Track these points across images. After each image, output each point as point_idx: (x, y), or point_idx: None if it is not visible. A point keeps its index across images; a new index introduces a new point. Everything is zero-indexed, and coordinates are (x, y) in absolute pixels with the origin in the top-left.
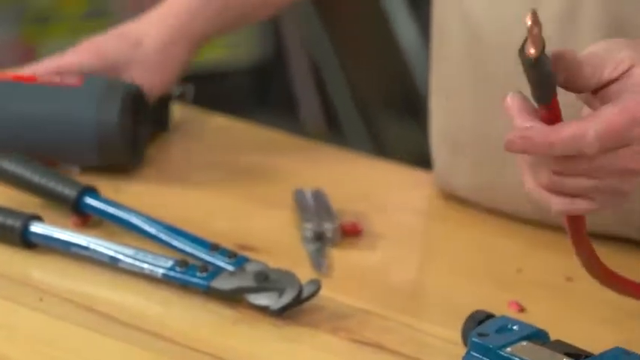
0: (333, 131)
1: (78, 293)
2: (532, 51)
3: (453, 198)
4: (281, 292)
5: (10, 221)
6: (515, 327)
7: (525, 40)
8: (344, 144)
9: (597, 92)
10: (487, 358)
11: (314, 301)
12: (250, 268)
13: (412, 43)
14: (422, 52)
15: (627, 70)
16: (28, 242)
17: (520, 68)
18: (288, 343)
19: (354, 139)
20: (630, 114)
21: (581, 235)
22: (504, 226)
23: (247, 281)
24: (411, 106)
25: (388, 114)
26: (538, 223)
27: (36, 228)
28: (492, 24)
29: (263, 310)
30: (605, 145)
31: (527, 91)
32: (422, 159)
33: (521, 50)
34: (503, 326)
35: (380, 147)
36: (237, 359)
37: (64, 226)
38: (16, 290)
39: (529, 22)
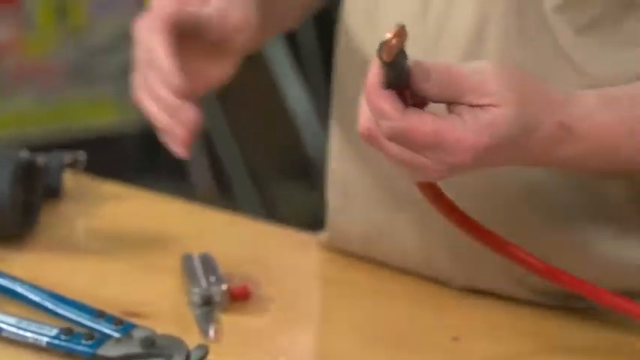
0: (224, 196)
1: None
2: (384, 56)
3: (342, 260)
4: (168, 358)
5: None
6: None
7: (382, 45)
8: (235, 209)
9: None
10: None
11: None
12: (137, 334)
13: (302, 109)
14: (312, 117)
15: (487, 105)
16: None
17: None
18: None
19: (246, 204)
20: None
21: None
22: (395, 284)
23: (134, 348)
24: (303, 170)
25: (279, 178)
26: (427, 277)
27: None
28: None
29: None
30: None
31: None
32: (313, 223)
33: (378, 50)
34: None
35: (271, 211)
36: None
37: None
38: None
39: (388, 35)
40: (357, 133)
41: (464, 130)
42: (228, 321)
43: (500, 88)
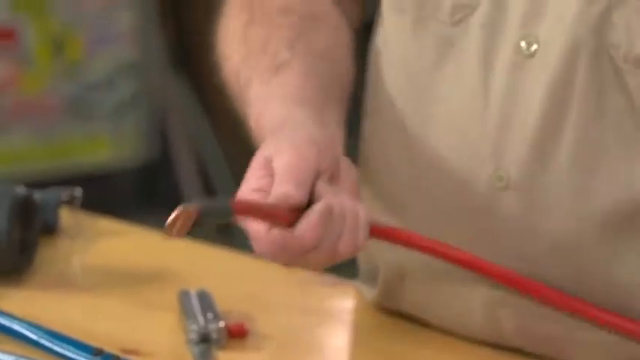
0: (221, 232)
1: None
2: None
3: (343, 296)
4: None
5: None
6: None
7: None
8: (232, 244)
9: None
10: None
11: None
12: None
13: None
14: None
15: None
16: None
17: None
18: None
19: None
20: None
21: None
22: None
23: None
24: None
25: None
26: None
27: None
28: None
29: None
30: None
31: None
32: None
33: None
34: None
35: None
36: None
37: None
38: None
39: (173, 215)
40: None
41: None
42: (226, 358)
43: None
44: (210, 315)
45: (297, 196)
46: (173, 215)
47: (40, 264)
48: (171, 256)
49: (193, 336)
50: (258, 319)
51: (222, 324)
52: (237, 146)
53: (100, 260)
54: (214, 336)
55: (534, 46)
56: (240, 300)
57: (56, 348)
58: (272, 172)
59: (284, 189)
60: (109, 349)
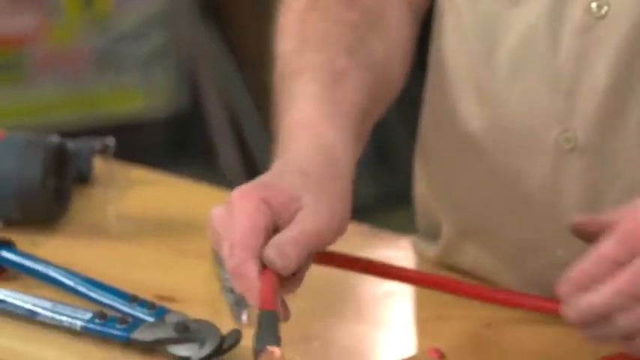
0: (252, 179)
1: None
2: None
3: (401, 252)
4: (202, 342)
5: None
6: None
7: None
8: None
9: None
10: None
11: (234, 350)
12: (170, 319)
13: None
14: None
15: None
16: None
17: None
18: None
19: None
20: None
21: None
22: None
23: (168, 332)
24: None
25: None
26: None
27: None
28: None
29: None
30: None
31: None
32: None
33: None
34: None
35: None
36: None
37: None
38: None
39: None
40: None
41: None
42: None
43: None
44: None
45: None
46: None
47: (74, 213)
48: (204, 205)
49: (227, 284)
50: None
51: None
52: (268, 95)
53: (134, 209)
54: None
55: (605, 8)
56: None
57: (92, 294)
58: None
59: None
60: (143, 295)
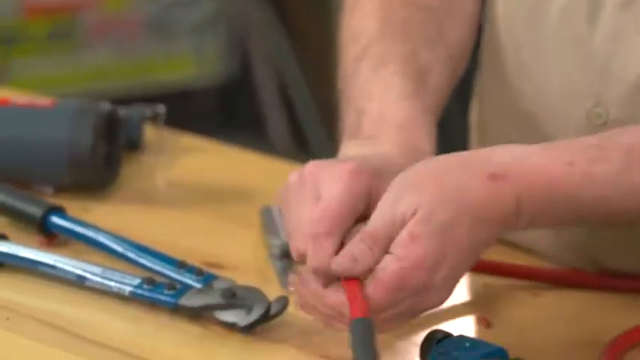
0: (301, 149)
1: (45, 312)
2: None
3: None
4: (249, 308)
5: None
6: (473, 346)
7: None
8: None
9: None
10: None
11: (281, 317)
12: (218, 285)
13: None
14: None
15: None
16: None
17: None
18: (256, 359)
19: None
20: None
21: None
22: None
23: (215, 298)
24: None
25: None
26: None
27: (1, 247)
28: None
29: (231, 326)
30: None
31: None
32: None
33: None
34: (462, 345)
35: None
36: None
37: (30, 245)
38: None
39: None
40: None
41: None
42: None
43: (407, 199)
44: None
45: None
46: None
47: (124, 179)
48: (252, 173)
49: (275, 251)
50: None
51: None
52: (317, 66)
53: (183, 176)
54: None
55: None
56: None
57: (141, 260)
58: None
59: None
60: (192, 262)
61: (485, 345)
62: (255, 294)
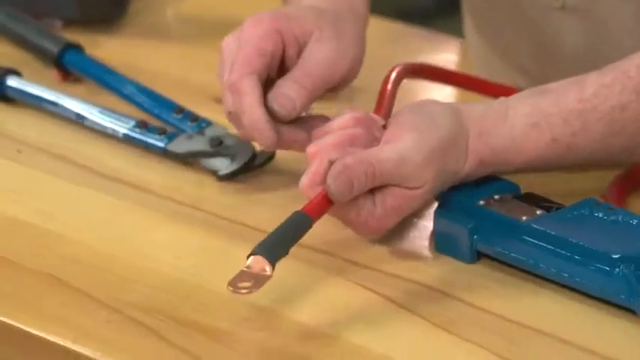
0: None
1: (55, 146)
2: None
3: (419, 43)
4: (233, 158)
5: None
6: (485, 181)
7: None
8: None
9: None
10: (458, 211)
11: (267, 168)
12: (209, 132)
13: None
14: None
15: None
16: (4, 96)
17: None
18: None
19: None
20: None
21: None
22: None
23: (202, 145)
24: None
25: None
26: None
27: (12, 82)
28: None
29: (214, 174)
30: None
31: None
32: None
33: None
34: (475, 181)
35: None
36: (218, 211)
37: (41, 82)
38: None
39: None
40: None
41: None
42: (317, 106)
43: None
44: None
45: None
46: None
47: (134, 13)
48: (264, 6)
49: None
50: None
51: None
52: None
53: (194, 10)
54: None
55: None
56: None
57: (140, 101)
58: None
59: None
60: (200, 98)
61: (496, 180)
62: (242, 144)
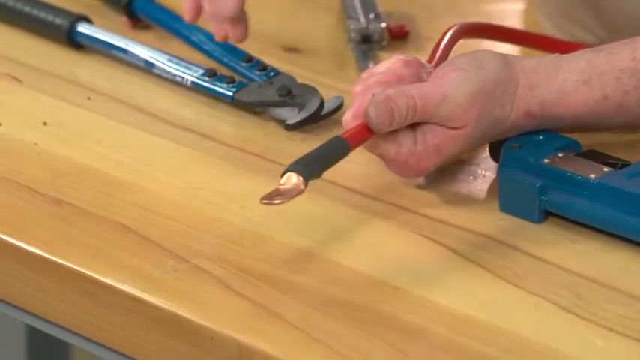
0: None
1: (125, 94)
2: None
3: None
4: (301, 107)
5: (58, 20)
6: (546, 138)
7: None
8: None
9: None
10: (523, 170)
11: (336, 117)
12: (278, 81)
13: None
14: None
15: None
16: (75, 42)
17: None
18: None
19: None
20: None
21: None
22: None
23: (270, 95)
24: None
25: None
26: None
27: (82, 28)
28: None
29: (281, 123)
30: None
31: None
32: None
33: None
34: (534, 138)
35: None
36: (285, 161)
37: (111, 29)
38: (64, 88)
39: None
40: None
41: None
42: (385, 59)
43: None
44: (371, 15)
45: None
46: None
47: None
48: None
49: (355, 35)
50: (419, 21)
51: (383, 25)
52: None
53: None
54: (375, 36)
55: None
56: (402, 2)
57: (210, 49)
58: None
59: None
60: (269, 47)
61: (557, 137)
62: (310, 91)
